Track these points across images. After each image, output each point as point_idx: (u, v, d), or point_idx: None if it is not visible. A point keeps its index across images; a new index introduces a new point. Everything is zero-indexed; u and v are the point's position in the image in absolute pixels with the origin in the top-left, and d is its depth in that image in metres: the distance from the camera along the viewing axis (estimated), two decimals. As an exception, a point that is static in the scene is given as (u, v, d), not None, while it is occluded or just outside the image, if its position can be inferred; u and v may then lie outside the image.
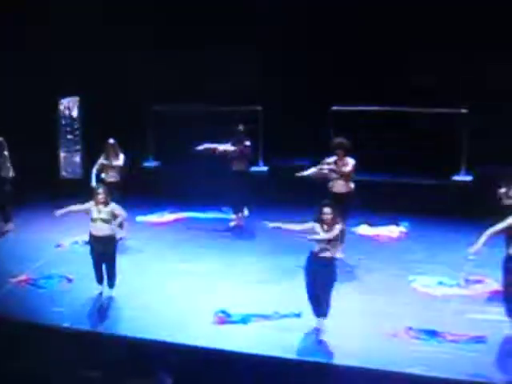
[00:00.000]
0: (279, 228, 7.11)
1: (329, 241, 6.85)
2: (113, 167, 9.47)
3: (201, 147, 9.73)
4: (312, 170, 8.66)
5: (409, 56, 10.76)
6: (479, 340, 6.83)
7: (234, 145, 9.74)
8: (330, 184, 8.61)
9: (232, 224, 10.07)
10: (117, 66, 11.55)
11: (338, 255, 7.18)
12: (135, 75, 11.67)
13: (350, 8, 10.69)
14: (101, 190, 7.78)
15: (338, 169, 8.54)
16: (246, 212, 10.05)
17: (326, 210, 6.85)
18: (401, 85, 10.64)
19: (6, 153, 9.86)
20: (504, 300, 7.02)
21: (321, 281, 6.90)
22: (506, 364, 6.46)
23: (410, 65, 10.72)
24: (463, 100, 10.23)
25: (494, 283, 7.98)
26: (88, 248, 7.93)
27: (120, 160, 9.50)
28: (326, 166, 8.59)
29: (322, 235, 6.88)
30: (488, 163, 10.02)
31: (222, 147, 9.74)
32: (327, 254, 6.89)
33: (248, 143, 9.78)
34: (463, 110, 10.25)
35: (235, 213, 10.09)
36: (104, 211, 7.71)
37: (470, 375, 6.28)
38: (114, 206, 7.80)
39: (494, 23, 10.10)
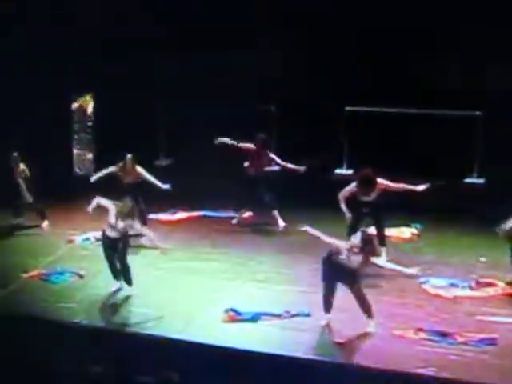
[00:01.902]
0: (314, 235, 7.09)
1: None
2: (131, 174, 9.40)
3: (222, 140, 9.72)
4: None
5: (422, 57, 10.73)
6: (490, 342, 6.81)
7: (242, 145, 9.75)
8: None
9: (234, 221, 10.06)
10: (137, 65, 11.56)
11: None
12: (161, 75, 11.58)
13: (366, 10, 10.63)
14: (130, 204, 7.75)
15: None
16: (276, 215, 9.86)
17: (355, 243, 6.82)
18: (415, 87, 10.60)
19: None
20: None
21: (341, 278, 6.94)
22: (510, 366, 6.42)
23: (423, 66, 10.67)
24: (478, 102, 10.18)
25: (505, 285, 7.96)
26: (99, 244, 7.97)
27: (147, 175, 9.39)
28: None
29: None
30: (500, 166, 10.00)
31: (244, 144, 9.75)
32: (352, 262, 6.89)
33: (270, 154, 9.78)
34: (477, 113, 10.22)
35: (235, 210, 10.00)
36: (122, 224, 7.71)
37: (479, 377, 6.27)
38: (133, 223, 7.75)
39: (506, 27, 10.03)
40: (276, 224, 9.87)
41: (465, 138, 10.26)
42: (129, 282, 7.97)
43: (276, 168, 10.17)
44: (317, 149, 10.56)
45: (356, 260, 6.89)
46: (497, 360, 6.52)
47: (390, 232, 9.40)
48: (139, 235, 8.32)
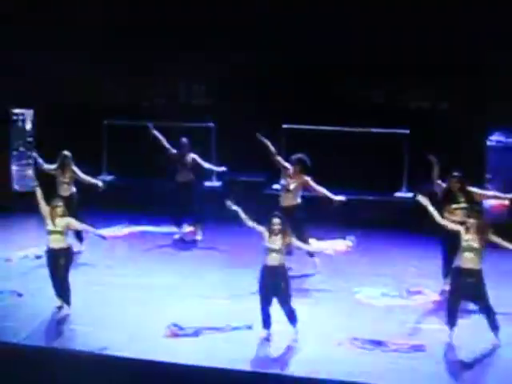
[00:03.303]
0: (237, 211, 7.38)
1: (279, 250, 7.13)
2: (66, 181, 9.54)
3: (155, 132, 9.89)
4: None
5: (354, 77, 11.20)
6: (418, 348, 7.09)
7: (179, 157, 9.92)
8: (280, 198, 8.84)
9: (176, 237, 10.15)
10: (71, 79, 11.59)
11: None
12: (89, 88, 11.70)
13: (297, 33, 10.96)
14: (60, 203, 7.86)
15: (288, 183, 8.80)
16: (197, 226, 10.19)
17: (275, 220, 7.16)
18: (349, 105, 11.04)
19: None
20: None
21: (279, 291, 7.14)
22: (444, 371, 6.74)
23: (357, 86, 11.14)
24: (406, 120, 10.68)
25: (433, 294, 8.36)
26: (38, 262, 7.93)
27: (81, 174, 9.55)
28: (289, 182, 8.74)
29: (301, 244, 7.31)
30: (427, 181, 10.53)
31: (167, 145, 9.96)
32: (280, 263, 7.16)
33: (193, 156, 9.93)
34: (405, 131, 10.69)
35: (177, 225, 10.14)
36: (60, 224, 7.79)
37: (410, 383, 6.57)
38: (69, 220, 7.91)
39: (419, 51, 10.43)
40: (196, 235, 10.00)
41: (395, 154, 10.72)
42: (67, 301, 7.92)
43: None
44: (257, 164, 10.85)
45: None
46: (426, 366, 6.80)
47: (325, 244, 9.67)
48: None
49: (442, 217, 7.76)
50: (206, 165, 10.13)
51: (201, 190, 10.42)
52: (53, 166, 9.68)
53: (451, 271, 7.20)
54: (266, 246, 7.16)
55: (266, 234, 7.20)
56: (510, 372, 6.80)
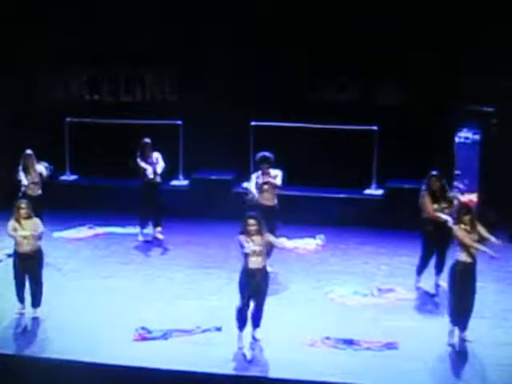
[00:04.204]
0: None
1: (260, 251, 6.91)
2: (34, 181, 9.19)
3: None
4: (254, 191, 8.60)
5: (322, 75, 11.13)
6: (391, 346, 7.11)
7: (140, 157, 9.71)
8: (258, 197, 8.63)
9: (141, 238, 9.95)
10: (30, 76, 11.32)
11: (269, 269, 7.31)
12: (49, 85, 11.38)
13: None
14: (24, 205, 7.57)
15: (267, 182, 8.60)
16: (158, 228, 9.94)
17: (251, 221, 6.94)
18: (317, 101, 10.92)
19: None
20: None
21: (259, 293, 6.97)
22: (416, 369, 6.72)
23: (328, 83, 11.06)
24: (376, 116, 10.63)
25: (404, 291, 8.35)
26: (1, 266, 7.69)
27: (42, 171, 9.26)
28: (260, 181, 8.60)
29: (275, 240, 7.14)
30: (397, 178, 10.49)
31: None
32: (262, 265, 6.98)
33: (157, 155, 9.76)
34: (374, 128, 10.65)
35: (144, 226, 9.95)
36: (27, 226, 7.52)
37: (383, 381, 6.56)
38: (36, 221, 7.64)
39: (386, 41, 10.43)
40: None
41: (363, 150, 10.66)
42: (37, 303, 7.68)
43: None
44: (225, 162, 10.66)
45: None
46: (397, 363, 6.81)
47: (296, 243, 9.67)
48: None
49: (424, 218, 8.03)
50: (160, 166, 9.67)
51: (164, 190, 10.14)
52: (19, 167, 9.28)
53: (455, 268, 7.08)
54: (245, 250, 6.89)
55: (243, 237, 6.94)
56: (484, 367, 6.84)
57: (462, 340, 7.13)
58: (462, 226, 7.01)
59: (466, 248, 6.97)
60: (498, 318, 7.74)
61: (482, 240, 7.05)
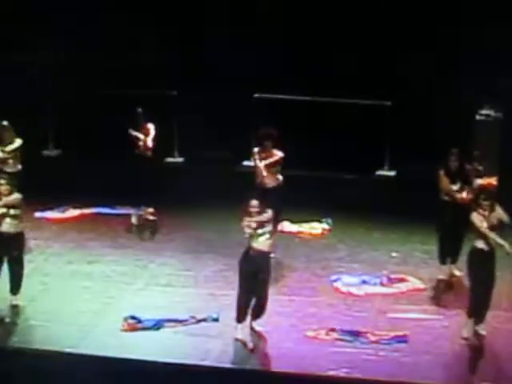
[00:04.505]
0: None
1: (262, 233, 6.74)
2: (9, 155, 8.79)
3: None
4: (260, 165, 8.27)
5: (333, 45, 10.63)
6: (401, 340, 6.90)
7: (134, 128, 9.32)
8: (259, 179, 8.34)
9: (134, 220, 9.53)
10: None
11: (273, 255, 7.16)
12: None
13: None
14: (2, 181, 7.29)
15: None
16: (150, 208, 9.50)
17: (253, 202, 6.81)
18: (326, 75, 10.48)
19: None
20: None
21: (261, 278, 6.78)
22: (427, 363, 6.52)
23: (336, 55, 10.60)
24: (388, 92, 10.22)
25: (416, 281, 8.12)
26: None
27: (16, 144, 8.86)
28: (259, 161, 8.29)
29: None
30: (412, 159, 10.08)
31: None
32: (265, 248, 6.79)
33: (150, 126, 9.35)
34: (387, 103, 10.23)
35: (136, 205, 9.50)
36: (8, 204, 7.21)
37: (391, 375, 6.34)
38: (17, 196, 7.31)
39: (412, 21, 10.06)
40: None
41: (375, 129, 10.24)
42: (17, 289, 7.40)
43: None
44: (225, 139, 10.27)
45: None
46: (407, 357, 6.62)
47: (301, 228, 9.39)
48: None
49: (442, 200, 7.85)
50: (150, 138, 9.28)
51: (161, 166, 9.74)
52: None
53: (472, 257, 6.90)
54: (247, 231, 6.73)
55: (246, 217, 6.78)
56: (497, 362, 6.69)
57: (478, 333, 6.92)
58: (481, 211, 6.85)
59: (482, 235, 6.81)
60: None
61: (501, 225, 6.85)
